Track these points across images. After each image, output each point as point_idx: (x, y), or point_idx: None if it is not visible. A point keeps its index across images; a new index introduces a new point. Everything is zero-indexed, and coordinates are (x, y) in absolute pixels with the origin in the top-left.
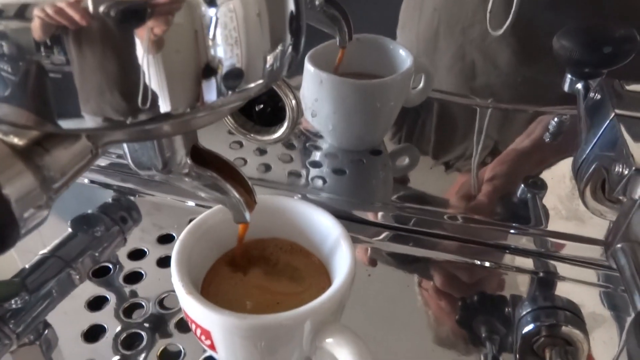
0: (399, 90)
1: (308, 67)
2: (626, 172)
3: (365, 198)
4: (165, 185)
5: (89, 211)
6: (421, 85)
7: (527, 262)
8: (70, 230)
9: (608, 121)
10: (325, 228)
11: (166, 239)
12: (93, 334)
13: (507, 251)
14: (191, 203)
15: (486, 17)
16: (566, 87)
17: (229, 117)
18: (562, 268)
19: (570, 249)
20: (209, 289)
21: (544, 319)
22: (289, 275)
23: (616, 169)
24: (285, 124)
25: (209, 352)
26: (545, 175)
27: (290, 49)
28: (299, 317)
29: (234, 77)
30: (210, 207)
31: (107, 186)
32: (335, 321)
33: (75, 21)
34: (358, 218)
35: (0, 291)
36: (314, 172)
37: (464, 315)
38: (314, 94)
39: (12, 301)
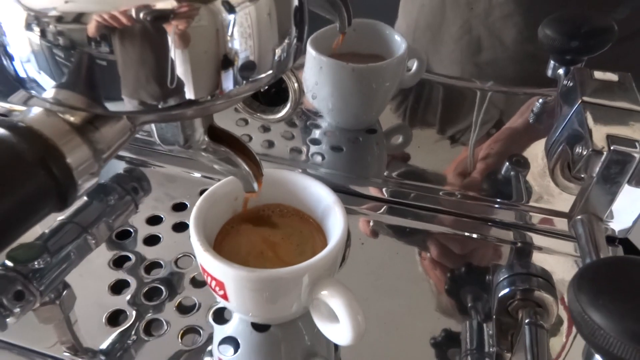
0: (393, 73)
1: (310, 51)
2: (585, 153)
3: (360, 173)
4: (175, 158)
5: (103, 181)
6: (414, 68)
7: (508, 234)
8: (86, 198)
9: (575, 106)
10: (320, 196)
11: (180, 207)
12: (117, 289)
13: (490, 224)
14: (198, 175)
15: None
16: (549, 73)
17: None
18: (538, 239)
19: (544, 221)
20: (221, 246)
21: (518, 284)
22: (290, 235)
23: (577, 150)
24: (288, 105)
25: (221, 303)
26: (527, 153)
27: (295, 41)
28: (298, 272)
29: (248, 69)
30: (217, 179)
31: (120, 158)
32: (330, 276)
33: (120, 24)
34: (353, 191)
35: (25, 253)
36: (313, 148)
37: (450, 282)
38: (315, 77)
39: (35, 262)
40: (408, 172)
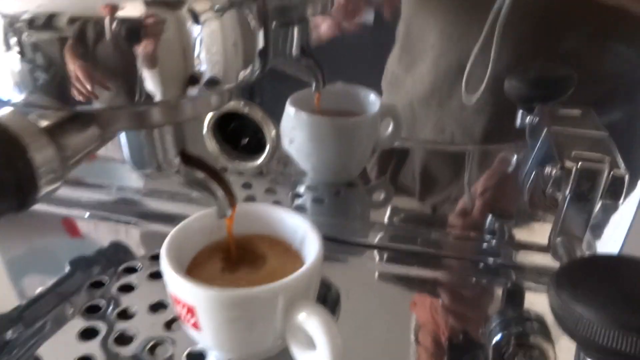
0: (369, 128)
1: (289, 109)
2: (553, 173)
3: (343, 221)
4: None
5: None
6: (390, 128)
7: (497, 275)
8: (68, 268)
9: (542, 136)
10: (296, 225)
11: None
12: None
13: (481, 264)
14: None
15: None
16: (518, 123)
17: (216, 145)
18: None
19: (529, 257)
20: (193, 274)
21: (512, 329)
22: (267, 262)
23: (546, 171)
24: (266, 151)
25: (194, 338)
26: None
27: (258, 70)
28: (273, 290)
29: (211, 84)
30: None
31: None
32: (307, 298)
33: (88, 27)
34: (336, 238)
35: None
36: (296, 201)
37: (444, 330)
38: (293, 133)
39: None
40: (397, 218)
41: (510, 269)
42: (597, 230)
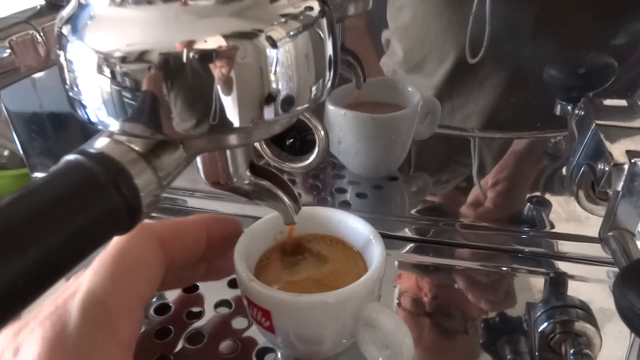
0: (411, 121)
1: (328, 107)
2: (607, 169)
3: (386, 215)
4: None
5: None
6: (428, 119)
7: (539, 265)
8: None
9: (590, 131)
10: (357, 228)
11: None
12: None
13: (520, 255)
14: None
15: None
16: (557, 111)
17: (266, 148)
18: (570, 267)
19: (575, 248)
20: (262, 276)
21: (557, 317)
22: (332, 262)
23: (599, 167)
24: (316, 152)
25: (266, 339)
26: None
27: (329, 83)
28: (343, 296)
29: (288, 102)
30: None
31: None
32: (374, 300)
33: (173, 62)
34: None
35: None
36: (339, 197)
37: (486, 320)
38: (337, 129)
39: None
40: (431, 210)
41: (551, 259)
42: None
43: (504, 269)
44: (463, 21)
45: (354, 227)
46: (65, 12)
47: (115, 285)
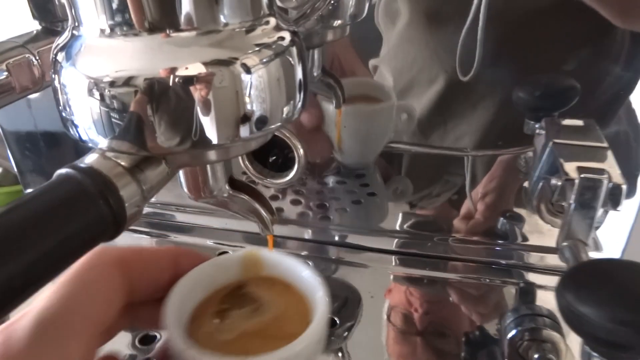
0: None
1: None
2: (559, 184)
3: (367, 228)
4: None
5: None
6: (404, 117)
7: (510, 276)
8: None
9: (548, 148)
10: (307, 275)
11: None
12: None
13: (495, 267)
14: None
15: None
16: (525, 129)
17: (249, 165)
18: (539, 278)
19: (537, 259)
20: (196, 331)
21: (525, 325)
22: (273, 309)
23: (553, 182)
24: (295, 168)
25: None
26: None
27: (300, 104)
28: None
29: (261, 121)
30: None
31: (136, 231)
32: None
33: (158, 87)
34: (360, 246)
35: None
36: (319, 212)
37: (463, 329)
38: None
39: None
40: (412, 224)
41: (521, 270)
42: (600, 234)
43: (490, 280)
44: (452, 43)
45: (305, 275)
46: (61, 41)
47: (65, 306)
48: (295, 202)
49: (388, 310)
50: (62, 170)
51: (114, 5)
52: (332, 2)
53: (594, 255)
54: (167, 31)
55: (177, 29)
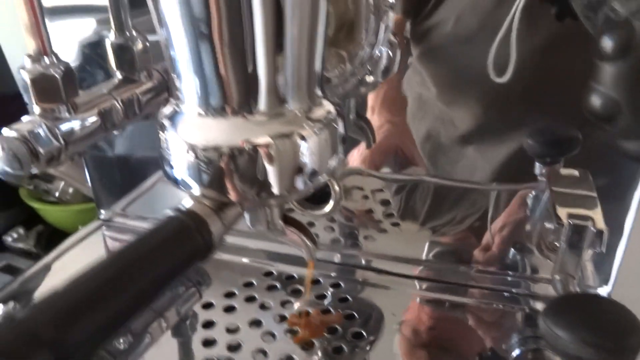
0: None
1: None
2: (551, 227)
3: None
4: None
5: None
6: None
7: (517, 302)
8: None
9: (546, 194)
10: None
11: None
12: None
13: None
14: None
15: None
16: (536, 172)
17: None
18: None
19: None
20: None
21: (528, 345)
22: None
23: (547, 226)
24: (332, 203)
25: None
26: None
27: (341, 156)
28: None
29: (313, 174)
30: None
31: None
32: None
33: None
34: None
35: None
36: (350, 240)
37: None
38: None
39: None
40: (435, 253)
41: (528, 297)
42: (586, 270)
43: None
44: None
45: None
46: (167, 110)
47: None
48: (328, 229)
49: (404, 326)
50: (169, 212)
51: (210, 97)
52: (369, 69)
53: (588, 285)
54: (245, 115)
55: (251, 112)
